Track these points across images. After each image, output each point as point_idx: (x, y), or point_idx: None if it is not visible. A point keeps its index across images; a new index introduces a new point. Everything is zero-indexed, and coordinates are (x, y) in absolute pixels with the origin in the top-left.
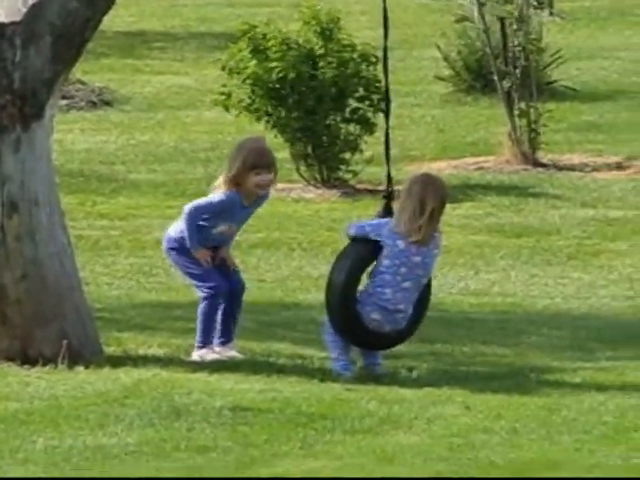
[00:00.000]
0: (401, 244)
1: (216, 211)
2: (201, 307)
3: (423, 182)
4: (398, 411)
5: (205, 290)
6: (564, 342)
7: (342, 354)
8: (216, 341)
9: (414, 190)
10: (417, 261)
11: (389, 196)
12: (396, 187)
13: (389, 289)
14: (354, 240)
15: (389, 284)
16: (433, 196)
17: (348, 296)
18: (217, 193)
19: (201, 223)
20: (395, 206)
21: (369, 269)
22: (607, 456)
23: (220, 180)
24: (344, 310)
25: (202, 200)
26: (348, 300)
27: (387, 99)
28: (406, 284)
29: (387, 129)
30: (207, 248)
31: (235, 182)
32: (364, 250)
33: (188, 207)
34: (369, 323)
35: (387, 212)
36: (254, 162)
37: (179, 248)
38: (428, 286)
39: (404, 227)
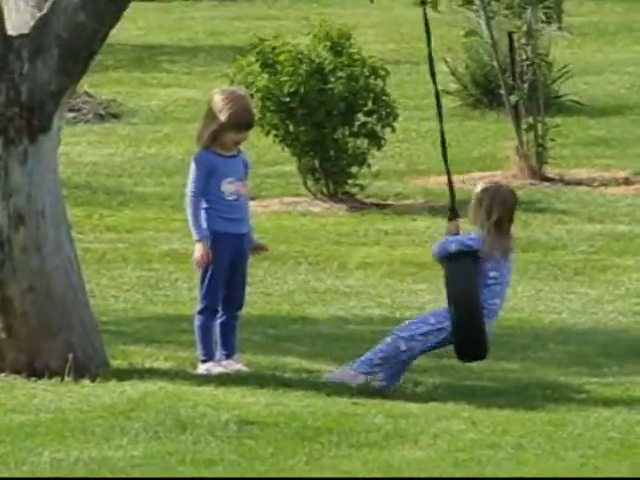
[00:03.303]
0: (499, 254)
1: (205, 173)
2: (195, 321)
3: (490, 194)
4: (404, 425)
5: (200, 303)
6: (570, 357)
7: (394, 378)
8: (220, 354)
9: (483, 203)
10: (510, 267)
11: (453, 208)
12: (408, 201)
13: (498, 299)
14: (452, 257)
15: (499, 295)
16: (496, 209)
17: (479, 308)
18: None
19: (209, 196)
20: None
21: None
22: (613, 472)
23: (199, 133)
24: (477, 322)
25: (189, 182)
26: (480, 312)
27: (439, 106)
28: (505, 291)
29: (442, 134)
30: (234, 235)
31: (213, 138)
32: (470, 262)
33: (188, 192)
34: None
35: (454, 222)
36: (238, 121)
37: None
38: None
39: (493, 242)
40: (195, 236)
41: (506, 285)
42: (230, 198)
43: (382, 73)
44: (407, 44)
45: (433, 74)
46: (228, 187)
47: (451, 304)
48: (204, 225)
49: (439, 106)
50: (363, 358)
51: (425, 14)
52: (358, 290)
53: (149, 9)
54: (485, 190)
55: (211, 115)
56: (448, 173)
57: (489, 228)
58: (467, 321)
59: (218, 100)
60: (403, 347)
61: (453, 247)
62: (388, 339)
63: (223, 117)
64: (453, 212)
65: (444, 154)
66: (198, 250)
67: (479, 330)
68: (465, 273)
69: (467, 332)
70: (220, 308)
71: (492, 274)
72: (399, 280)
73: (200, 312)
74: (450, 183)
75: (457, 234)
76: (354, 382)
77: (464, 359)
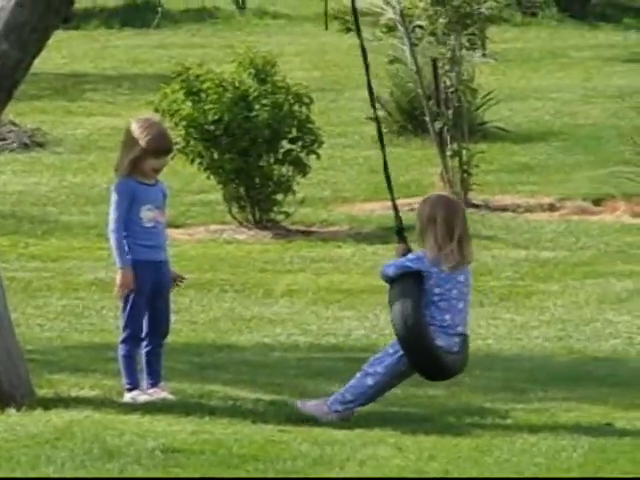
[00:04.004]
0: (445, 269)
1: (127, 201)
2: (118, 350)
3: (446, 207)
4: (330, 452)
5: (123, 332)
6: (496, 383)
7: (358, 404)
8: (146, 383)
9: (438, 217)
10: (462, 280)
11: (400, 229)
12: (333, 227)
13: (448, 315)
14: (395, 280)
15: (447, 310)
16: (457, 220)
17: (422, 328)
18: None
19: (131, 227)
20: (418, 237)
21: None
22: None
23: (118, 163)
24: (423, 342)
25: (111, 211)
26: (423, 331)
27: (379, 131)
28: (460, 305)
29: (385, 161)
30: (153, 263)
31: (133, 165)
32: (412, 283)
33: (110, 221)
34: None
35: (404, 243)
36: (157, 147)
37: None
38: None
39: (437, 255)
40: (118, 263)
41: (455, 299)
42: (148, 225)
43: (306, 100)
44: (331, 71)
45: (372, 101)
46: (147, 214)
47: (394, 328)
48: (127, 255)
49: (380, 132)
50: (336, 395)
51: (362, 42)
52: (284, 317)
53: (73, 38)
54: (435, 204)
55: (130, 143)
56: (392, 196)
57: (453, 247)
58: (411, 343)
59: (135, 128)
60: (370, 382)
61: (391, 272)
62: (358, 375)
63: (142, 144)
64: (401, 235)
65: (387, 178)
66: (120, 278)
67: (427, 350)
68: (403, 296)
69: (415, 354)
70: (145, 337)
71: (436, 290)
72: (325, 307)
73: (123, 341)
74: (395, 206)
75: (405, 255)
76: (325, 419)
77: (433, 379)
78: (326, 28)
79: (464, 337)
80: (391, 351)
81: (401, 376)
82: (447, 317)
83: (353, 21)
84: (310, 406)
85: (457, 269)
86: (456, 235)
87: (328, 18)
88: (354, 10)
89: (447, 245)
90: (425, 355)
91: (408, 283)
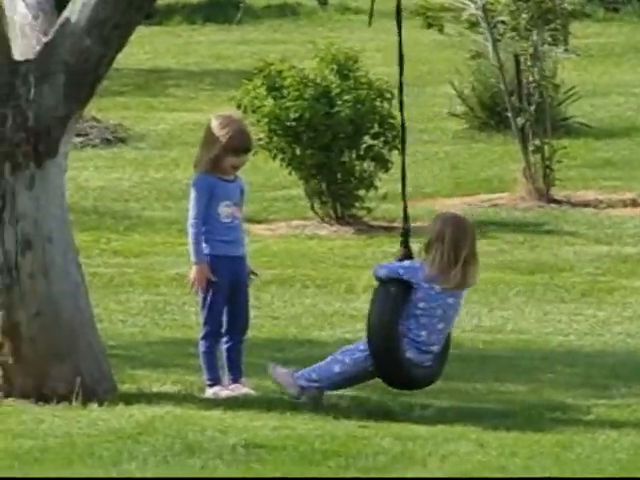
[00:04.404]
0: (437, 288)
1: (206, 197)
2: (199, 346)
3: (456, 227)
4: (412, 448)
5: (202, 329)
6: (578, 379)
7: (322, 386)
8: (227, 379)
9: (447, 236)
10: (451, 302)
11: (406, 233)
12: (415, 223)
13: (424, 331)
14: (384, 282)
15: (425, 327)
16: (466, 242)
17: (394, 336)
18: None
19: (209, 223)
20: (423, 248)
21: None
22: None
23: (197, 159)
24: (391, 351)
25: (191, 207)
26: (395, 341)
27: (403, 135)
28: (440, 325)
29: (403, 165)
30: (231, 258)
31: (213, 163)
32: (398, 291)
33: (189, 216)
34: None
35: (406, 248)
36: (237, 145)
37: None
38: None
39: (438, 273)
40: (193, 258)
41: (437, 319)
42: (226, 220)
43: (388, 96)
44: (412, 66)
45: (401, 103)
46: (225, 210)
47: (367, 330)
48: (205, 250)
49: (403, 134)
50: (303, 371)
51: (400, 40)
52: (365, 313)
53: (155, 34)
54: (446, 222)
55: (210, 140)
56: (404, 199)
57: (457, 271)
58: (380, 351)
59: (215, 125)
60: (336, 369)
61: (382, 273)
62: (328, 358)
63: (222, 141)
64: (405, 239)
65: (403, 180)
66: (195, 272)
67: (394, 361)
68: (385, 304)
69: (381, 362)
70: (226, 333)
71: (421, 305)
72: None
73: (203, 337)
74: (405, 210)
75: (404, 260)
76: (288, 390)
77: (398, 388)
78: (369, 25)
79: (439, 354)
80: (362, 347)
81: (370, 374)
82: (423, 334)
83: (404, 17)
84: (280, 373)
85: (454, 290)
86: (462, 257)
87: (413, 14)
88: (398, 8)
89: (451, 268)
90: (392, 366)
91: (395, 290)
